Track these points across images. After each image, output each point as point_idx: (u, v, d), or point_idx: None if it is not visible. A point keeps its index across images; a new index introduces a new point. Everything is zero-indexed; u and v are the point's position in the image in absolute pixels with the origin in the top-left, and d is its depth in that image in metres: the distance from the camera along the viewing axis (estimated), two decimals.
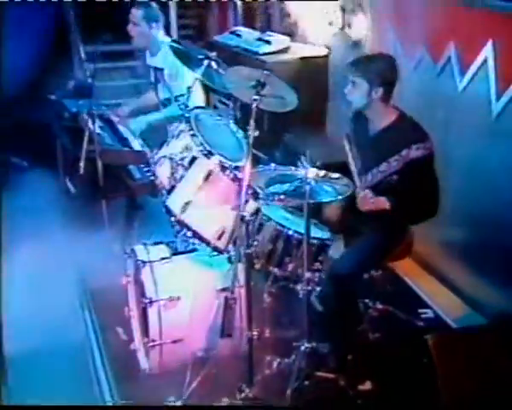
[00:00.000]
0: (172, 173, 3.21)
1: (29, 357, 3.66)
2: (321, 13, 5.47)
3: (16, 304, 3.71)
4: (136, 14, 4.59)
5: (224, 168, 3.07)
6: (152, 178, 4.21)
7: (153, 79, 4.87)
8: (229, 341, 3.30)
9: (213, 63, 3.56)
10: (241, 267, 3.13)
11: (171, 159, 3.23)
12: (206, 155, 3.07)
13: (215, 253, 3.30)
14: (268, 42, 5.56)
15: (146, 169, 4.40)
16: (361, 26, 5.07)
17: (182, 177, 3.15)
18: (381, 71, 3.06)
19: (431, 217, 3.19)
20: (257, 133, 2.88)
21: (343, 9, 5.25)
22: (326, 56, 5.44)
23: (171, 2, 7.61)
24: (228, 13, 7.49)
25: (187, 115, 3.30)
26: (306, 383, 3.12)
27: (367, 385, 3.26)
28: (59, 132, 5.55)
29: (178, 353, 3.23)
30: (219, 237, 3.08)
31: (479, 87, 3.86)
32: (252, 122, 2.88)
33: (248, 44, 5.75)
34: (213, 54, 3.60)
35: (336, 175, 2.90)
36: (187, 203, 3.04)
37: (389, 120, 3.17)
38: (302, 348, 3.10)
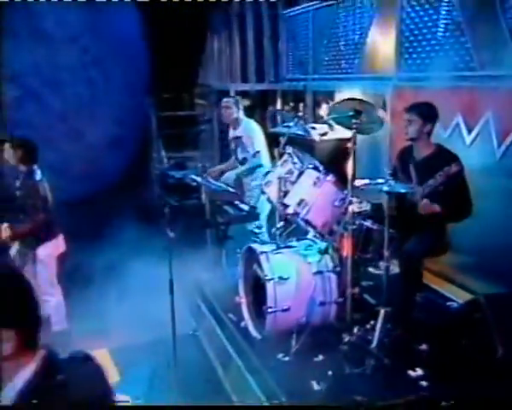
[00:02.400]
0: (280, 188, 3.30)
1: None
2: None
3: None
4: (230, 100, 5.05)
5: (326, 175, 3.16)
6: (243, 213, 4.39)
7: (233, 146, 5.15)
8: (322, 311, 3.30)
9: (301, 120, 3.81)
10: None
11: (279, 179, 3.32)
12: (313, 168, 3.18)
13: (311, 245, 3.35)
14: (314, 128, 5.70)
15: (237, 207, 4.60)
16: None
17: (287, 191, 3.24)
18: (430, 111, 3.24)
19: (468, 216, 3.25)
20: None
21: None
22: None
23: None
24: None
25: (288, 152, 3.44)
26: (386, 340, 3.08)
27: (424, 346, 3.19)
28: (164, 194, 5.78)
29: (287, 319, 3.22)
30: (323, 226, 3.12)
31: (483, 140, 3.98)
32: (354, 140, 2.95)
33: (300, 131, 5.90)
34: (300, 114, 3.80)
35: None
36: (301, 200, 3.12)
37: (431, 149, 3.35)
38: (382, 311, 3.08)
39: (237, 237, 4.73)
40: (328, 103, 6.41)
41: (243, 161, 4.94)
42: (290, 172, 3.30)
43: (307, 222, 3.15)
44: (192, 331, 4.20)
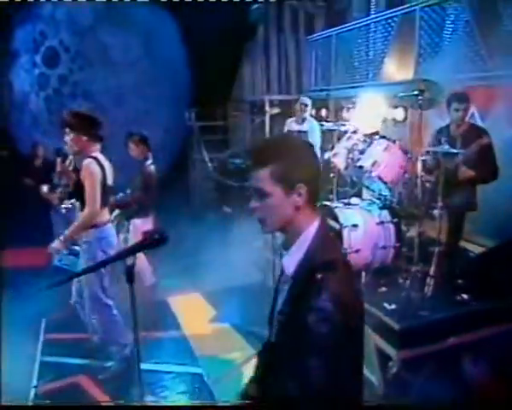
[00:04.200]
0: (348, 157, 3.46)
1: None
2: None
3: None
4: (307, 100, 5.19)
5: (394, 142, 3.31)
6: None
7: None
8: (383, 254, 3.44)
9: None
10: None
11: (347, 150, 3.47)
12: (381, 137, 3.33)
13: (371, 203, 3.49)
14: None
15: None
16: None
17: (358, 158, 3.37)
18: (469, 99, 3.36)
19: (495, 179, 3.35)
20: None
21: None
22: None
23: None
24: None
25: (353, 130, 3.59)
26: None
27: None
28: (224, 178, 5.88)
29: (357, 259, 3.33)
30: (392, 182, 3.27)
31: (497, 125, 3.89)
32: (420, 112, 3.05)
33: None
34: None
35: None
36: (375, 161, 3.25)
37: (466, 126, 3.44)
38: (436, 249, 3.22)
39: None
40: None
41: None
42: (356, 144, 3.46)
43: (379, 178, 3.27)
44: None
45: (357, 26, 6.41)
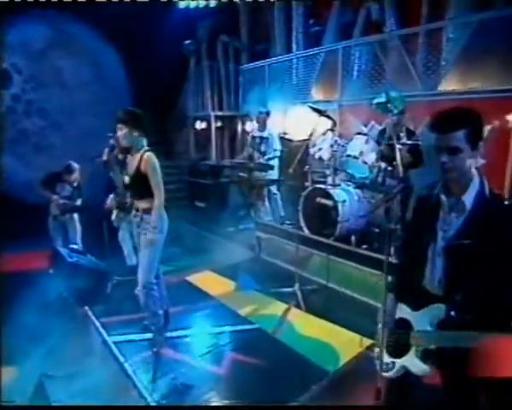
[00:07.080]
0: (332, 150, 3.68)
1: None
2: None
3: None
4: (269, 111, 5.01)
5: (371, 137, 3.60)
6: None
7: (258, 141, 4.93)
8: (362, 221, 3.72)
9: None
10: None
11: (331, 146, 3.70)
12: (358, 133, 3.61)
13: (349, 184, 3.78)
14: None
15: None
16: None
17: (343, 151, 3.61)
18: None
19: (420, 165, 3.63)
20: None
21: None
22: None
23: None
24: None
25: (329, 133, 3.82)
26: None
27: None
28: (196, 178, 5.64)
29: (347, 226, 3.60)
30: (371, 165, 3.55)
31: None
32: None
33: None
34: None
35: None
36: (361, 151, 3.52)
37: (403, 129, 3.71)
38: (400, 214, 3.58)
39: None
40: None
41: (264, 153, 4.88)
42: (334, 141, 3.72)
43: (365, 162, 3.55)
44: None
45: (287, 59, 6.68)
